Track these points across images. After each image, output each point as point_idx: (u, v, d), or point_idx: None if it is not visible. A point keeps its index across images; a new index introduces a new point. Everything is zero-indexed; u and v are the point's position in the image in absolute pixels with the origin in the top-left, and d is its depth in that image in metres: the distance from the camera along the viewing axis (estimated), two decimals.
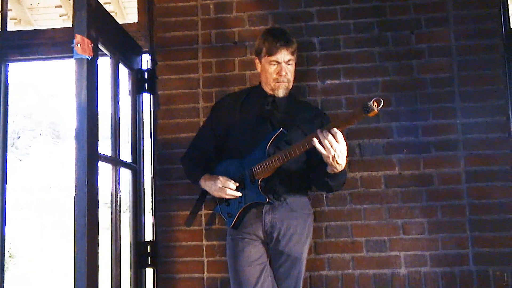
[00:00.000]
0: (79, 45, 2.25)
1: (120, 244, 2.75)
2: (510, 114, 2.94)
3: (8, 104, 3.32)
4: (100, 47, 2.56)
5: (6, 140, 3.30)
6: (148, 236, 3.10)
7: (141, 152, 3.18)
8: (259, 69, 2.56)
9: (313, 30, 3.10)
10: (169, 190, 3.07)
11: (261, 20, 3.13)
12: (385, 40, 3.05)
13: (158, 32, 3.19)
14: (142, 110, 3.19)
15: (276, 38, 2.44)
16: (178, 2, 3.20)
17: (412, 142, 2.96)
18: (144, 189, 3.18)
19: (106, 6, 5.08)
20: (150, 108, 3.19)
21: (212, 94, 3.08)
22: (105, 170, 2.61)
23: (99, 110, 2.44)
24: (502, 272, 2.83)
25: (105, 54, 2.73)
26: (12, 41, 3.33)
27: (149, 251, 3.10)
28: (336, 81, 3.04)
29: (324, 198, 2.96)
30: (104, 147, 2.58)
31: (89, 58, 2.33)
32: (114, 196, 2.71)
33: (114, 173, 2.72)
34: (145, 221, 3.16)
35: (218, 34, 3.15)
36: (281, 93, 2.50)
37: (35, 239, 17.90)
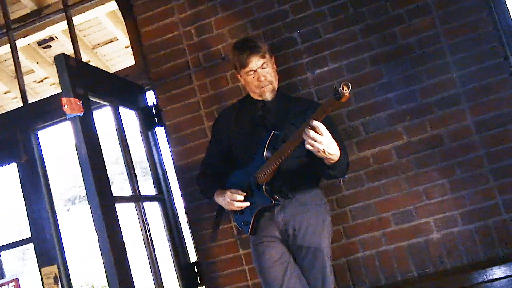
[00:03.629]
0: (66, 106, 2.45)
1: (159, 273, 2.93)
2: (508, 52, 2.85)
3: (46, 169, 3.61)
4: (94, 99, 2.77)
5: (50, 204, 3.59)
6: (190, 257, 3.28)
7: (167, 182, 3.37)
8: (242, 81, 2.65)
9: (291, 26, 3.15)
10: (197, 210, 3.22)
11: (241, 31, 3.23)
12: (362, 16, 3.05)
13: (152, 68, 3.37)
14: (158, 143, 3.38)
15: (241, 50, 2.53)
16: (162, 36, 3.36)
17: (414, 107, 2.94)
18: (178, 215, 3.37)
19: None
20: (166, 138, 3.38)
21: (214, 112, 3.21)
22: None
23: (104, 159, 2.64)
24: None
25: (105, 104, 2.94)
26: (35, 111, 3.62)
27: (196, 271, 3.28)
28: (325, 68, 3.08)
29: (341, 183, 3.00)
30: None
31: (81, 115, 2.53)
32: (143, 230, 2.89)
33: (138, 210, 2.91)
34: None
35: (205, 55, 3.29)
36: (268, 96, 2.57)
37: None
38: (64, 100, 2.43)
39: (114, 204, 2.57)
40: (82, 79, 2.66)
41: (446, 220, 2.85)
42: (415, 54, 2.95)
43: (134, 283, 2.57)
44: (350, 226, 2.98)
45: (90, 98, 2.68)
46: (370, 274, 2.93)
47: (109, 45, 5.70)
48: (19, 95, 3.82)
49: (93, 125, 2.61)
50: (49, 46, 5.64)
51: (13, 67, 5.82)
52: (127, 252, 2.57)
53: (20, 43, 4.57)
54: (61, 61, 2.47)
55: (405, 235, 2.90)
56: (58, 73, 2.50)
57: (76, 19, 4.35)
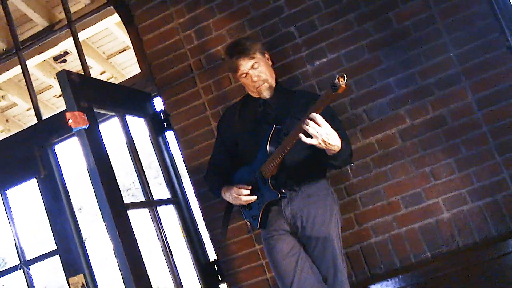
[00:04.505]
0: (70, 120, 2.55)
1: (178, 275, 3.01)
2: (505, 27, 2.85)
3: (65, 182, 3.73)
4: (99, 111, 2.86)
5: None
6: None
7: (181, 185, 3.45)
8: (240, 82, 2.72)
9: (287, 20, 3.20)
10: (212, 209, 3.29)
11: (239, 30, 3.29)
12: (356, 4, 3.08)
13: (156, 74, 3.45)
14: (169, 147, 3.47)
15: (231, 55, 2.59)
16: (164, 42, 3.44)
17: (414, 90, 2.96)
18: (194, 216, 3.45)
19: (104, 74, 5.64)
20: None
21: (219, 112, 3.27)
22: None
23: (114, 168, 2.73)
24: None
25: (112, 115, 3.03)
26: (50, 127, 3.73)
27: (216, 269, 3.36)
28: (324, 60, 3.12)
29: (349, 171, 3.04)
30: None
31: (87, 127, 2.62)
32: (158, 234, 2.98)
33: (152, 214, 3.00)
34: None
35: (206, 56, 3.35)
36: (266, 94, 2.63)
37: None
38: (68, 114, 2.52)
39: (126, 211, 2.66)
40: (86, 92, 2.75)
41: (455, 199, 2.87)
42: (411, 37, 2.97)
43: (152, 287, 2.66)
44: (361, 212, 3.02)
45: (95, 110, 2.77)
46: (384, 258, 2.97)
47: (123, 54, 5.84)
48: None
49: (100, 136, 2.70)
50: (65, 61, 5.79)
51: (33, 84, 6.05)
52: (142, 257, 2.66)
53: (36, 60, 4.73)
54: (64, 77, 2.57)
55: (415, 217, 2.93)
56: (61, 88, 2.60)
57: (87, 32, 4.49)
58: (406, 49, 2.98)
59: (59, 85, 2.63)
